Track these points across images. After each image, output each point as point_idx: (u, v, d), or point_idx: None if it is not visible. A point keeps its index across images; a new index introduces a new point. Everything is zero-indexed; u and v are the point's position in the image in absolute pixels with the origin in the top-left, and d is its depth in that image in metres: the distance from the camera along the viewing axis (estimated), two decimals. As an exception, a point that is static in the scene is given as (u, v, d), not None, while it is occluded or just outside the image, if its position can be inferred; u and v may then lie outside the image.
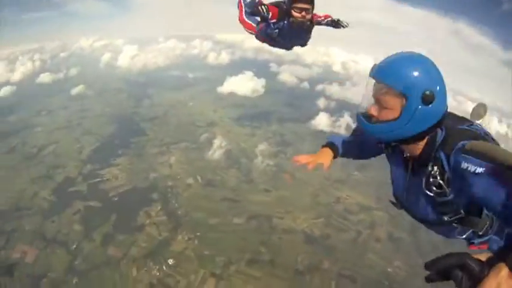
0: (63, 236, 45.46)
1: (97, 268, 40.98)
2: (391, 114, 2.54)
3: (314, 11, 6.51)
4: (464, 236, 2.96)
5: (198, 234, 46.32)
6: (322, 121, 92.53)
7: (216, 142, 70.94)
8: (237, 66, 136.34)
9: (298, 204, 54.62)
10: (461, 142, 2.40)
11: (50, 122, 79.05)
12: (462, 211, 2.65)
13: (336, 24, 6.65)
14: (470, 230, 2.84)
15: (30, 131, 74.45)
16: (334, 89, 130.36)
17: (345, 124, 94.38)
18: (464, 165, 2.28)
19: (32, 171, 59.04)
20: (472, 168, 2.21)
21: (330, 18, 6.66)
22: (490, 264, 1.65)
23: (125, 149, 65.73)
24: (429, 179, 2.62)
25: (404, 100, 2.46)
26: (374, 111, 2.64)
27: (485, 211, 2.63)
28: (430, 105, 2.41)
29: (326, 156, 3.87)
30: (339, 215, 54.01)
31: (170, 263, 41.60)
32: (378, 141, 2.98)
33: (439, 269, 1.76)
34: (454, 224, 2.78)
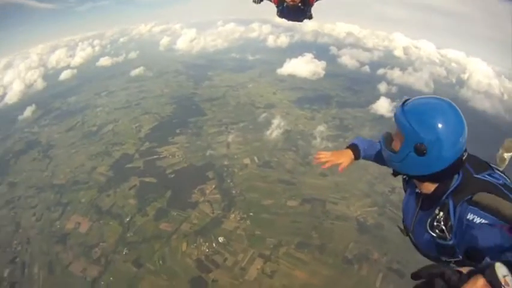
0: (117, 209, 46.73)
1: (148, 241, 41.76)
2: (396, 146, 2.74)
3: None
4: None
5: (251, 214, 46.02)
6: (383, 106, 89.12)
7: (275, 123, 70.41)
8: (296, 49, 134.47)
9: (353, 190, 53.51)
10: (471, 194, 2.38)
11: (110, 103, 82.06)
12: (460, 256, 2.55)
13: None
14: None
15: (90, 111, 78.03)
16: (395, 74, 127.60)
17: None
18: (469, 216, 2.31)
19: (90, 148, 61.36)
20: (476, 219, 2.26)
21: None
22: (469, 275, 1.72)
23: (183, 128, 66.39)
24: (433, 222, 2.62)
25: (403, 141, 2.59)
26: (393, 136, 2.86)
27: (486, 258, 2.21)
28: (422, 157, 2.49)
29: (346, 157, 3.90)
30: (394, 205, 51.74)
31: (220, 241, 41.55)
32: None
33: (422, 278, 1.79)
34: (452, 265, 2.65)
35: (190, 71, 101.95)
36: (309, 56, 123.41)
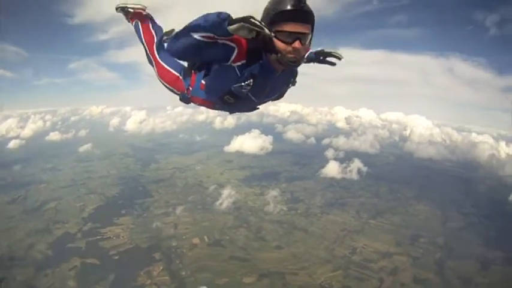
0: (55, 291, 43.77)
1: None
2: None
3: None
4: None
5: None
6: (332, 169, 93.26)
7: (225, 203, 70.10)
8: (243, 129, 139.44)
9: (312, 259, 52.93)
10: None
11: (55, 180, 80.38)
12: None
13: (322, 57, 4.06)
14: None
15: (34, 186, 75.82)
16: (341, 141, 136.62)
17: (356, 168, 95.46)
18: None
19: (31, 224, 58.40)
20: None
21: (312, 51, 4.03)
22: None
23: (129, 209, 64.85)
24: None
25: None
26: None
27: None
28: None
29: None
30: (358, 265, 52.33)
31: None
32: None
33: None
34: None
35: (138, 154, 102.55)
36: (256, 131, 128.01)
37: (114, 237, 55.02)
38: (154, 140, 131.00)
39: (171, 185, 78.38)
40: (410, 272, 51.19)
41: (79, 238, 54.53)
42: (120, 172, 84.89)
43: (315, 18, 3.24)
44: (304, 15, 3.11)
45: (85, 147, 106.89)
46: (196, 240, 56.01)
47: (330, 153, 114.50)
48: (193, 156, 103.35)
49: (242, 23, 2.76)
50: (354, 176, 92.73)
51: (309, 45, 3.37)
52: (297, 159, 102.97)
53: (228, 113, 4.48)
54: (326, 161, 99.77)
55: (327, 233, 60.70)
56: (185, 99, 4.29)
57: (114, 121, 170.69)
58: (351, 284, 47.66)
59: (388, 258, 54.13)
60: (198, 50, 3.13)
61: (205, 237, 57.00)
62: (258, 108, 4.34)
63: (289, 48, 3.14)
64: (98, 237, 54.76)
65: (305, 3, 3.05)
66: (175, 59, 3.86)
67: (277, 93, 4.23)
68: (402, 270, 51.61)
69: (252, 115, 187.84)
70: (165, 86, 4.64)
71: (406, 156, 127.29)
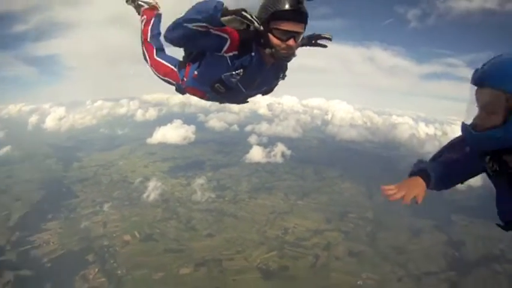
0: (-9, 313, 41.23)
1: None
2: (497, 119, 2.19)
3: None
4: None
5: None
6: (257, 154, 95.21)
7: (151, 195, 70.34)
8: (165, 120, 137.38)
9: (246, 243, 54.41)
10: None
11: None
12: None
13: (313, 40, 4.36)
14: None
15: None
16: (263, 127, 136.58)
17: (280, 152, 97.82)
18: None
19: None
20: None
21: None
22: None
23: (55, 213, 62.36)
24: None
25: (510, 102, 2.09)
26: (479, 120, 2.34)
27: None
28: None
29: (420, 187, 3.04)
30: (292, 244, 54.35)
31: None
32: (481, 154, 2.52)
33: None
34: None
35: (60, 153, 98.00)
36: (178, 122, 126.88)
37: (45, 244, 52.95)
38: (74, 137, 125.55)
39: (95, 183, 76.72)
40: (343, 246, 53.81)
41: (8, 250, 51.76)
42: (42, 174, 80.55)
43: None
44: (300, 15, 3.41)
45: (4, 150, 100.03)
46: (127, 237, 55.85)
47: (253, 139, 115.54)
48: (116, 151, 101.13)
49: (234, 16, 3.06)
50: (279, 159, 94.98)
51: (300, 41, 3.68)
52: (220, 147, 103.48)
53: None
54: (250, 146, 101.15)
55: (257, 216, 62.39)
56: (180, 89, 4.66)
57: (33, 119, 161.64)
58: (287, 263, 49.59)
59: (320, 235, 56.48)
60: (193, 39, 3.44)
61: (136, 233, 56.99)
62: (247, 102, 4.82)
63: (283, 45, 3.46)
64: (28, 246, 52.34)
65: (302, 4, 3.35)
66: (173, 46, 3.85)
67: (267, 87, 4.47)
68: (335, 245, 54.15)
69: (174, 106, 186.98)
70: (160, 78, 4.88)
71: (328, 139, 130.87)
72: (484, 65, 2.26)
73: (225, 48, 3.61)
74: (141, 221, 61.06)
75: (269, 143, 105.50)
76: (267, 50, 3.55)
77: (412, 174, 3.12)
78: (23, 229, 56.68)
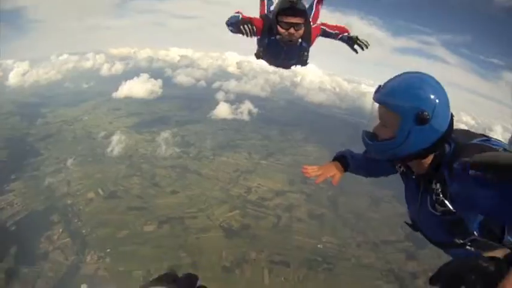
0: (-40, 285, 41.04)
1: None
2: (389, 133, 2.51)
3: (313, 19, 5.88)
4: None
5: (108, 250, 44.75)
6: (223, 110, 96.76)
7: (115, 149, 71.24)
8: (131, 73, 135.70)
9: (209, 200, 55.56)
10: (467, 156, 2.24)
11: None
12: (476, 232, 2.52)
13: (352, 42, 5.43)
14: None
15: None
16: (232, 84, 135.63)
17: (247, 110, 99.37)
18: (468, 178, 2.15)
19: None
20: (477, 180, 2.10)
21: (346, 34, 5.52)
22: (510, 261, 1.45)
23: (19, 172, 61.53)
24: (433, 198, 2.54)
25: (400, 120, 2.41)
26: (376, 130, 2.65)
27: (506, 237, 2.41)
28: (425, 125, 2.34)
29: (336, 170, 3.63)
30: (254, 203, 55.82)
31: None
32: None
33: (448, 278, 1.51)
34: (468, 247, 2.62)
35: (23, 110, 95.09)
36: (144, 76, 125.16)
37: (8, 207, 52.18)
38: (39, 93, 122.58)
39: (59, 140, 76.28)
40: (305, 208, 55.49)
41: (-29, 216, 50.30)
42: (5, 133, 77.83)
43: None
44: (296, 11, 4.71)
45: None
46: (91, 195, 56.42)
47: (220, 95, 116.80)
48: (81, 106, 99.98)
49: (241, 25, 4.97)
50: (245, 117, 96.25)
51: (305, 27, 5.03)
52: (187, 103, 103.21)
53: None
54: (216, 103, 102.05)
55: (221, 174, 63.63)
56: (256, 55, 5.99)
57: None
58: (249, 222, 51.17)
59: (282, 195, 58.09)
60: (237, 29, 5.17)
61: (100, 190, 57.64)
62: (289, 68, 6.26)
63: (286, 33, 4.83)
64: None
65: (297, 2, 4.68)
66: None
67: (294, 59, 5.74)
68: (297, 206, 55.87)
69: (142, 61, 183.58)
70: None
71: (296, 101, 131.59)
72: (385, 83, 2.57)
73: (257, 32, 5.19)
74: (105, 177, 61.54)
75: (236, 100, 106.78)
76: (278, 36, 4.97)
77: (334, 159, 3.75)
78: (-15, 192, 54.77)
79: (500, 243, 2.38)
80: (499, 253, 1.53)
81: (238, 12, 5.33)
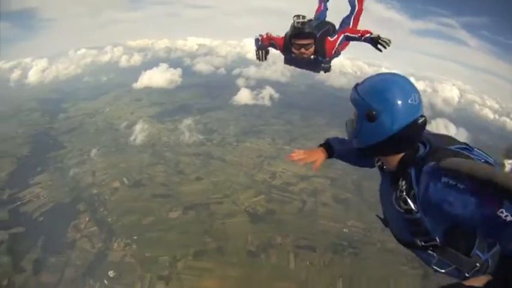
0: (-10, 274, 40.68)
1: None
2: (353, 123, 2.82)
3: (352, 26, 6.83)
4: (443, 271, 2.64)
5: (135, 238, 44.58)
6: (244, 96, 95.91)
7: (138, 137, 71.40)
8: (150, 64, 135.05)
9: (234, 186, 55.26)
10: (438, 160, 2.30)
11: None
12: (438, 238, 2.48)
13: (374, 42, 5.67)
14: (453, 267, 2.55)
15: None
16: (252, 71, 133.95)
17: (268, 95, 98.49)
18: (435, 182, 2.23)
19: None
20: (444, 186, 2.17)
21: (368, 35, 5.80)
22: None
23: (43, 166, 62.01)
24: (397, 194, 2.58)
25: (356, 113, 2.73)
26: (349, 119, 2.93)
27: (475, 251, 2.39)
28: (374, 122, 2.52)
29: (319, 155, 3.97)
30: (279, 188, 55.17)
31: (111, 275, 39.09)
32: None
33: None
34: (429, 251, 2.60)
35: (45, 106, 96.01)
36: (164, 65, 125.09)
37: (35, 199, 52.38)
38: (59, 88, 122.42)
39: (82, 133, 76.75)
40: (330, 192, 54.78)
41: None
42: (28, 129, 79.06)
43: None
44: (303, 34, 5.44)
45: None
46: (116, 184, 56.44)
47: (241, 81, 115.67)
48: (101, 98, 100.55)
49: (256, 50, 6.79)
50: (267, 102, 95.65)
51: (315, 46, 5.75)
52: (207, 91, 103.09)
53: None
54: (237, 89, 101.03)
55: (245, 160, 63.28)
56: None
57: (15, 75, 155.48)
58: (274, 207, 50.58)
59: (307, 180, 57.10)
60: (263, 47, 6.71)
61: (125, 179, 57.58)
62: (318, 72, 6.73)
63: (298, 52, 5.68)
64: (18, 203, 51.35)
65: (303, 27, 5.34)
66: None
67: (317, 68, 6.46)
68: (322, 191, 55.07)
69: (160, 51, 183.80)
70: None
71: (317, 85, 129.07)
72: (360, 83, 2.77)
73: (279, 49, 6.35)
74: (129, 167, 61.52)
75: (257, 85, 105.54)
76: (293, 54, 5.86)
77: (320, 145, 4.06)
78: (12, 186, 55.68)
79: (468, 256, 2.39)
80: (479, 281, 1.66)
81: (261, 36, 6.71)
